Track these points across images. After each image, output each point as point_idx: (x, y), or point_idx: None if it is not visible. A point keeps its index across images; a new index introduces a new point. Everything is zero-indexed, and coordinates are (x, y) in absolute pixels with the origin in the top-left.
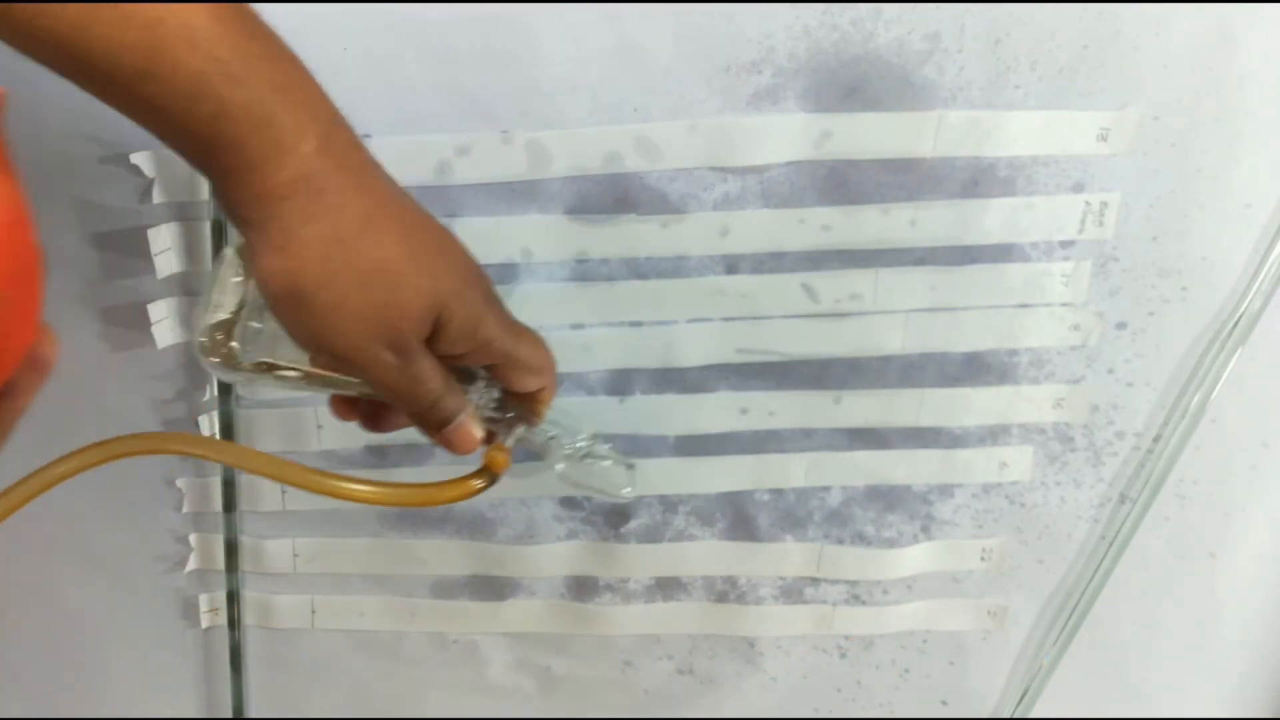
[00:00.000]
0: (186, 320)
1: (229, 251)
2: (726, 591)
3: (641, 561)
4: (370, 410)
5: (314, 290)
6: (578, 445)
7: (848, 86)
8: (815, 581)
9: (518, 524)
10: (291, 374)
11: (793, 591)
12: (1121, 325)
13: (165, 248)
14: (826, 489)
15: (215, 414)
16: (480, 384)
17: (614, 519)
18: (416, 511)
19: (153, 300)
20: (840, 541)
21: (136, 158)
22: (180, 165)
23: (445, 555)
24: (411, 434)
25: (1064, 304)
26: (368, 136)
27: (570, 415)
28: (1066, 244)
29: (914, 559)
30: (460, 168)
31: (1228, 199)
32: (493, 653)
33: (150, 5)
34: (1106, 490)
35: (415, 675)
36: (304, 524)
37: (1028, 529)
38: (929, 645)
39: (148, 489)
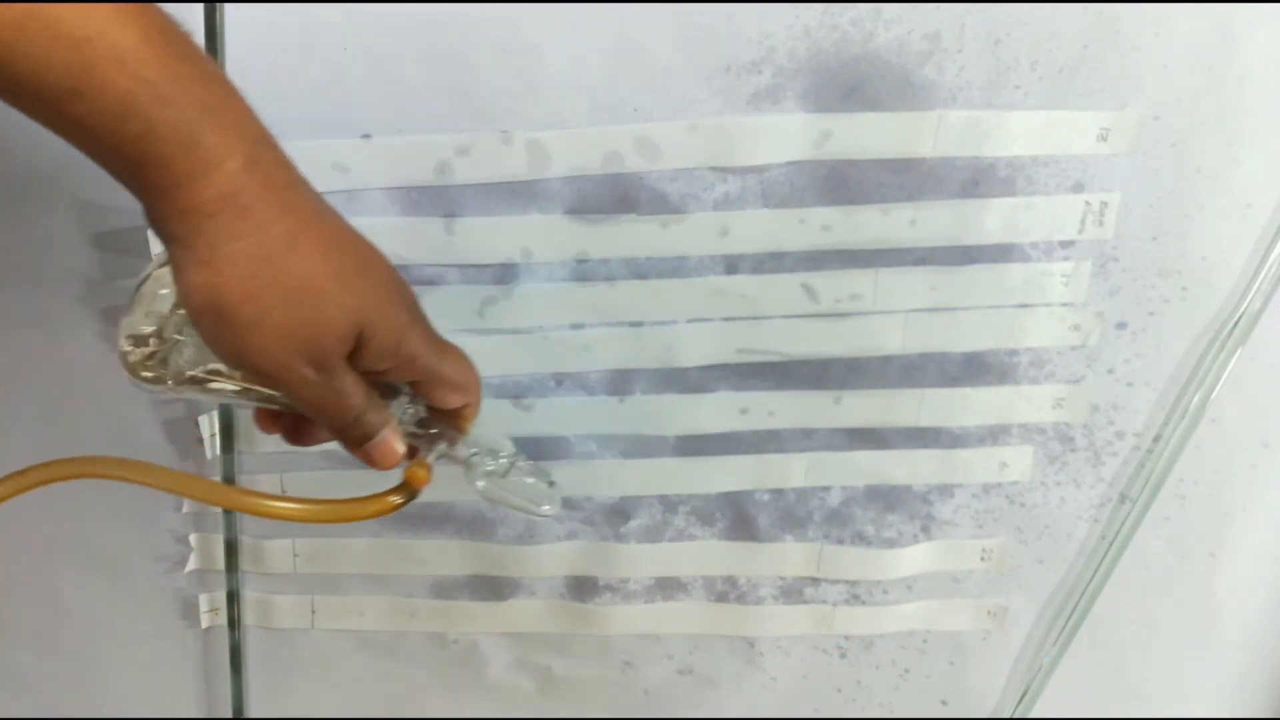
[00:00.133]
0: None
1: (153, 266)
2: (726, 591)
3: (641, 561)
4: (293, 424)
5: (236, 306)
6: (500, 462)
7: (848, 86)
8: (815, 581)
9: (518, 524)
10: (215, 387)
11: (793, 591)
12: (1121, 325)
13: None
14: (826, 489)
15: (215, 414)
16: (404, 399)
17: (614, 519)
18: (417, 512)
19: None
20: (840, 541)
21: None
22: None
23: (445, 555)
24: None
25: (1064, 304)
26: (368, 136)
27: (494, 432)
28: (1066, 244)
29: (914, 559)
30: (460, 168)
31: (1228, 199)
32: (493, 653)
33: (79, 25)
34: (1106, 490)
35: (415, 675)
36: (304, 524)
37: (1028, 529)
38: (929, 645)
39: (148, 488)
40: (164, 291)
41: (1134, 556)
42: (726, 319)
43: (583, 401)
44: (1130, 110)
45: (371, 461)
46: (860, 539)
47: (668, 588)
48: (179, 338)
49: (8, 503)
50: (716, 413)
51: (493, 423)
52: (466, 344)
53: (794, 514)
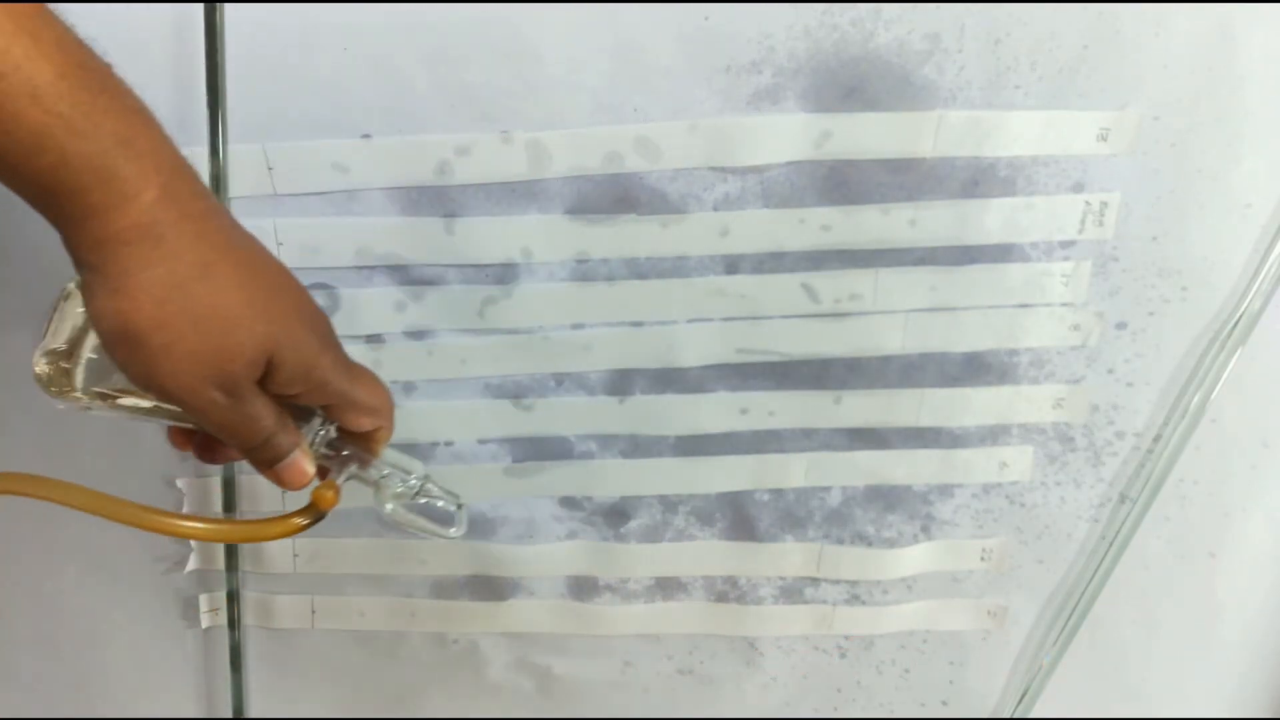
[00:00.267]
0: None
1: (72, 285)
2: (726, 591)
3: (641, 561)
4: (205, 442)
5: (147, 332)
6: (409, 484)
7: (848, 86)
8: (815, 581)
9: (518, 524)
10: (126, 404)
11: (793, 591)
12: (1121, 325)
13: None
14: (826, 489)
15: None
16: (316, 421)
17: (614, 519)
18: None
19: None
20: (840, 541)
21: None
22: None
23: (445, 555)
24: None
25: (1064, 304)
26: (368, 136)
27: (404, 455)
28: (1066, 244)
29: (914, 559)
30: (460, 168)
31: (1228, 199)
32: (493, 653)
33: None
34: (1106, 490)
35: (415, 675)
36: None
37: (1028, 529)
38: (929, 645)
39: (148, 489)
40: (80, 309)
41: (1134, 556)
42: (726, 319)
43: (583, 401)
44: (1130, 110)
45: (281, 482)
46: (860, 539)
47: (668, 588)
48: (92, 356)
49: (8, 504)
50: (716, 413)
51: (407, 451)
52: (467, 344)
53: (794, 514)
